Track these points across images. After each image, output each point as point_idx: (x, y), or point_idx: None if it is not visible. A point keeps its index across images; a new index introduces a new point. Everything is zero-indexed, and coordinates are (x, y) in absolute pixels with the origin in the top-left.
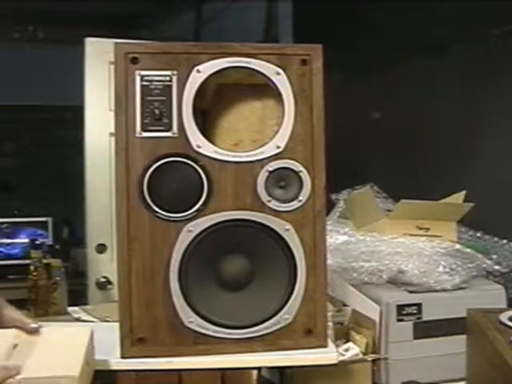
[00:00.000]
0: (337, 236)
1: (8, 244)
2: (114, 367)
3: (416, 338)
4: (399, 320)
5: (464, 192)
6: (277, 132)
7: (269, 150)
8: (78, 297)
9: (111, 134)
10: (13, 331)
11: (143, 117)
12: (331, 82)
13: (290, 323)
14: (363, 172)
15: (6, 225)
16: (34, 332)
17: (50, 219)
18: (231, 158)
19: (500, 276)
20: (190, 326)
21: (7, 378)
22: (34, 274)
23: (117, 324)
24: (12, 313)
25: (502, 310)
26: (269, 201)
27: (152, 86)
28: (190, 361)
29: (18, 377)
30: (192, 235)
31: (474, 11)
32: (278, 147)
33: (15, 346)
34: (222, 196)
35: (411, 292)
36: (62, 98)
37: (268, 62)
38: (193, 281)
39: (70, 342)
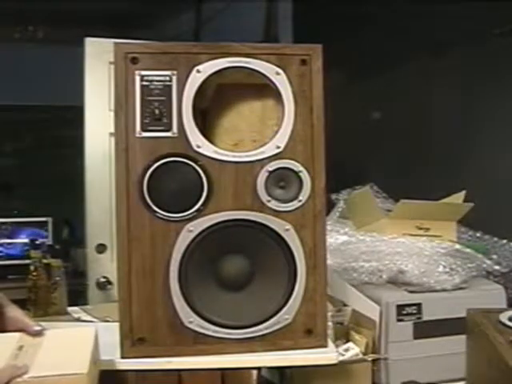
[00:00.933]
0: (337, 236)
1: (8, 244)
2: (113, 367)
3: (416, 338)
4: (399, 320)
5: (464, 192)
6: (277, 132)
7: (269, 150)
8: (78, 297)
9: (111, 134)
10: (17, 334)
11: (143, 117)
12: (331, 82)
13: (289, 323)
14: (363, 172)
15: (5, 225)
16: (37, 334)
17: (49, 219)
18: (231, 158)
19: (500, 276)
20: (190, 326)
21: (15, 376)
22: (34, 274)
23: (117, 324)
24: (15, 313)
25: (501, 310)
26: (269, 201)
27: (152, 86)
28: (189, 361)
29: (26, 376)
30: (192, 235)
31: (474, 11)
32: (278, 147)
33: (21, 347)
34: (221, 196)
35: (411, 292)
36: (62, 98)
37: (268, 62)
38: (193, 281)
39: (76, 342)
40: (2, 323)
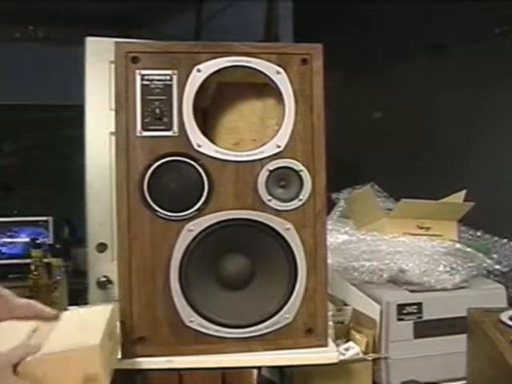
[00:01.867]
0: (337, 235)
1: (9, 243)
2: (113, 366)
3: (416, 337)
4: (399, 319)
5: (464, 191)
6: (277, 131)
7: (269, 149)
8: (79, 296)
9: (112, 133)
10: (34, 322)
11: (144, 116)
12: (331, 82)
13: (290, 322)
14: (364, 171)
15: (6, 224)
16: (54, 318)
17: (50, 218)
18: (232, 157)
19: (500, 275)
20: (191, 325)
21: (27, 355)
22: (35, 273)
23: (117, 324)
24: (24, 299)
25: (502, 310)
26: (269, 200)
27: (152, 86)
28: (190, 360)
29: (39, 353)
30: (192, 234)
31: (473, 11)
32: (279, 146)
33: (35, 329)
34: (222, 195)
35: (412, 291)
36: (62, 97)
37: (268, 61)
38: (193, 280)
39: (91, 320)
40: (13, 311)
